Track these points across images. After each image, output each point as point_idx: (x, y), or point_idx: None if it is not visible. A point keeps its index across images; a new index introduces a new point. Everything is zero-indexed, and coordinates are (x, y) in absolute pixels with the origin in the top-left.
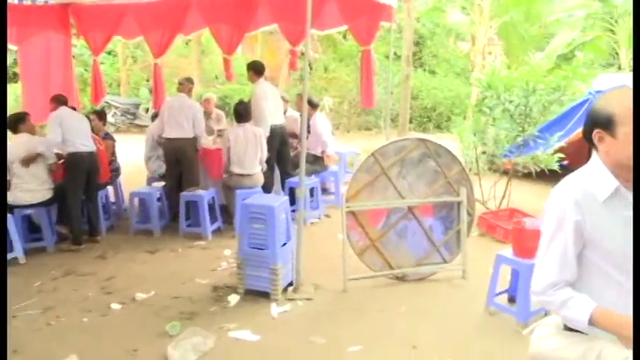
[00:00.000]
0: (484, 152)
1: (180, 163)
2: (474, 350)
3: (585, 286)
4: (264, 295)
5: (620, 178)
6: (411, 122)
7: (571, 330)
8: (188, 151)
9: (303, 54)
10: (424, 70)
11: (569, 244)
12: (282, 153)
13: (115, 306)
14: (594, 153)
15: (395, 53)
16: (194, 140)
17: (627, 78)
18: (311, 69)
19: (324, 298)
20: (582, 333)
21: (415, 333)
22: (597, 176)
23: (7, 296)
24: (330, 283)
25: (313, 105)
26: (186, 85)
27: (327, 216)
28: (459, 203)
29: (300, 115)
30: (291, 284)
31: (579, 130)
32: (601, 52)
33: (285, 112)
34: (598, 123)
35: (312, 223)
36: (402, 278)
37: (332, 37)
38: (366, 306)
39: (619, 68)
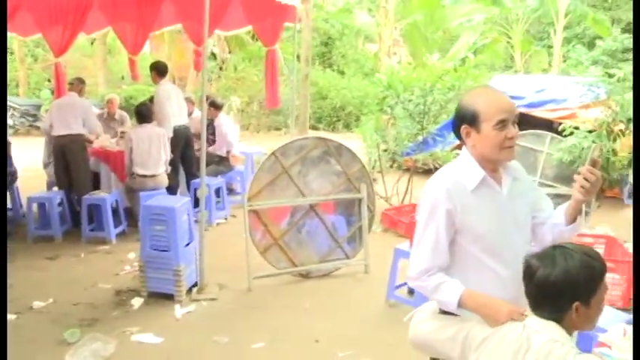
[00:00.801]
0: (386, 150)
1: (67, 160)
2: (374, 341)
3: (459, 270)
4: (168, 297)
5: (486, 169)
6: (320, 122)
7: (445, 313)
8: (74, 148)
9: (213, 54)
10: (333, 70)
11: (441, 232)
12: (186, 154)
13: (10, 316)
14: (464, 147)
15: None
16: (81, 137)
17: (520, 79)
18: (221, 69)
19: (228, 298)
20: (456, 315)
21: (318, 328)
22: (466, 168)
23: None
24: (235, 282)
25: (217, 106)
26: (77, 85)
27: (234, 216)
28: (360, 200)
29: (209, 117)
30: (195, 285)
31: None
32: (498, 55)
33: (191, 114)
34: (465, 119)
35: (218, 224)
36: (306, 275)
37: (240, 37)
38: (270, 304)
39: (515, 71)
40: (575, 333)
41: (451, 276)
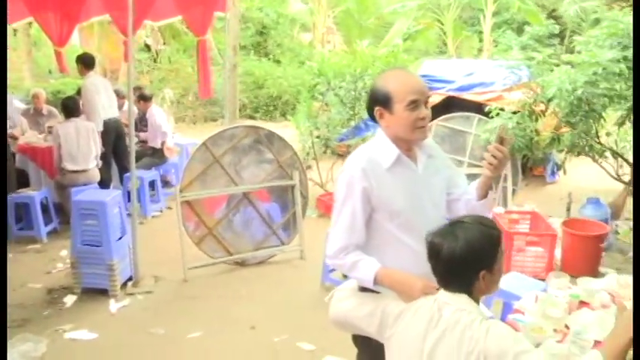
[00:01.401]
0: (319, 137)
1: None
2: (310, 324)
3: (375, 247)
4: (103, 292)
5: (401, 148)
6: (257, 111)
7: (364, 290)
8: None
9: (147, 45)
10: (269, 59)
11: (357, 210)
12: (118, 147)
13: None
14: (379, 127)
15: (239, 43)
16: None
17: (450, 63)
18: (155, 61)
19: (164, 290)
20: (374, 292)
21: (254, 315)
22: (382, 147)
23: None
24: (171, 274)
25: (145, 98)
26: None
27: (170, 208)
28: (292, 187)
29: (141, 110)
30: (130, 279)
31: None
32: (431, 41)
33: (122, 107)
34: (377, 101)
35: (153, 217)
36: (241, 263)
37: (175, 28)
38: (207, 293)
39: (448, 56)
40: (500, 305)
41: (368, 253)
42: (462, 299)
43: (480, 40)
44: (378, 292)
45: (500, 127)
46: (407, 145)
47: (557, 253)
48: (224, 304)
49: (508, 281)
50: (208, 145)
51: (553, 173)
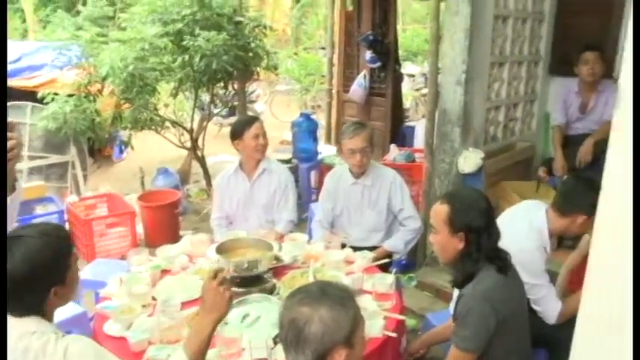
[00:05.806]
0: None
1: None
2: None
3: None
4: None
5: None
6: None
7: None
8: None
9: None
10: None
11: None
12: None
13: None
14: None
15: None
16: None
17: None
18: None
19: None
20: None
21: None
22: None
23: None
24: None
25: None
26: None
27: None
28: None
29: None
30: None
31: None
32: None
33: None
34: None
35: None
36: None
37: None
38: None
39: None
40: (91, 296)
41: None
42: (30, 322)
43: (24, 21)
44: None
45: None
46: None
47: (140, 228)
48: None
49: (94, 269)
50: None
51: (121, 151)
